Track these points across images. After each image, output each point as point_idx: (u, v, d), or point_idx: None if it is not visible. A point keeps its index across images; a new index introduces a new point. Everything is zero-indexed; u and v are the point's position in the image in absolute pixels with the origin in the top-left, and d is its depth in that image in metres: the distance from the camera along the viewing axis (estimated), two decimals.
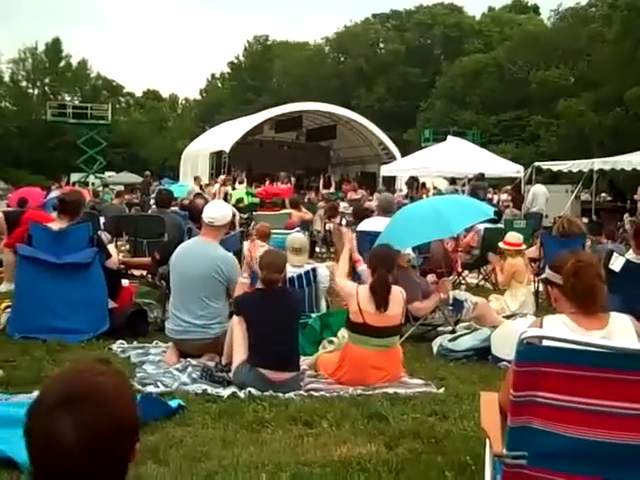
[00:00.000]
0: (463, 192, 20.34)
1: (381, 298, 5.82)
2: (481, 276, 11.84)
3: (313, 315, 7.04)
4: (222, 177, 24.20)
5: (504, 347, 6.20)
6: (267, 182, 24.44)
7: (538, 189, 19.20)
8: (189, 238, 7.22)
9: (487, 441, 3.11)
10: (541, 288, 9.76)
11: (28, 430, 1.59)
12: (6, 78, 64.04)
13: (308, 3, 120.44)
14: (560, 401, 2.73)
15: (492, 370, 6.21)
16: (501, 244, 9.78)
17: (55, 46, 64.99)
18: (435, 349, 6.96)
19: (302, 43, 73.42)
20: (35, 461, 1.58)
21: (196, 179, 25.08)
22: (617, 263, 6.72)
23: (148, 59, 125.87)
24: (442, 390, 5.64)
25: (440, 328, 7.77)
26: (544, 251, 9.96)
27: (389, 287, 5.89)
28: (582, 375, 2.71)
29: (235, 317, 5.70)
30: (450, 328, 7.54)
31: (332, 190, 21.02)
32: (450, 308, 7.75)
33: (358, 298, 5.82)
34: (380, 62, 62.47)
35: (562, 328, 3.12)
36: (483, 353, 6.70)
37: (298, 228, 12.28)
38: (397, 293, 5.97)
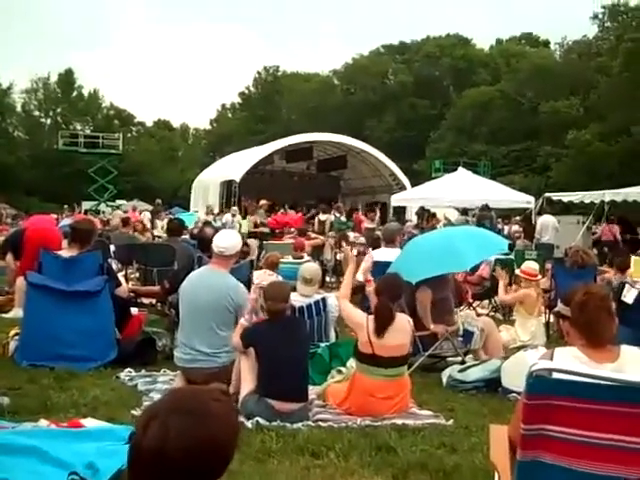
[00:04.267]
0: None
1: (381, 323, 5.80)
2: (492, 307, 11.80)
3: (322, 345, 7.01)
4: (234, 208, 24.30)
5: (514, 379, 6.15)
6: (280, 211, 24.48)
7: (547, 220, 19.17)
8: (199, 267, 7.21)
9: (496, 475, 3.06)
10: (552, 319, 9.71)
11: (134, 429, 1.73)
12: (18, 108, 64.75)
13: (316, 34, 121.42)
14: (570, 435, 2.70)
15: (502, 402, 6.15)
16: (518, 272, 9.75)
17: (67, 76, 65.81)
18: (444, 380, 6.91)
19: (311, 74, 74.02)
20: (130, 458, 1.70)
21: (208, 208, 25.19)
22: (630, 295, 6.68)
23: (159, 89, 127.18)
24: (451, 422, 5.59)
25: (450, 359, 7.71)
26: (555, 282, 9.92)
27: (390, 313, 5.88)
28: (593, 408, 2.67)
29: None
30: (460, 359, 7.48)
31: (338, 217, 20.94)
32: (460, 339, 7.70)
33: (368, 329, 5.79)
34: (389, 93, 62.90)
35: (573, 361, 3.10)
36: (493, 384, 6.65)
37: (309, 257, 12.28)
38: (404, 321, 5.95)
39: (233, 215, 22.87)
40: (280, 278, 9.06)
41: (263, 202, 21.80)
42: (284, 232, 18.39)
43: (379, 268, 7.93)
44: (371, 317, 5.94)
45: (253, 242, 16.71)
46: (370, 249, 11.14)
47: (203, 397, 1.77)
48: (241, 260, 7.97)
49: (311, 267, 8.36)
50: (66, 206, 33.83)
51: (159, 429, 1.66)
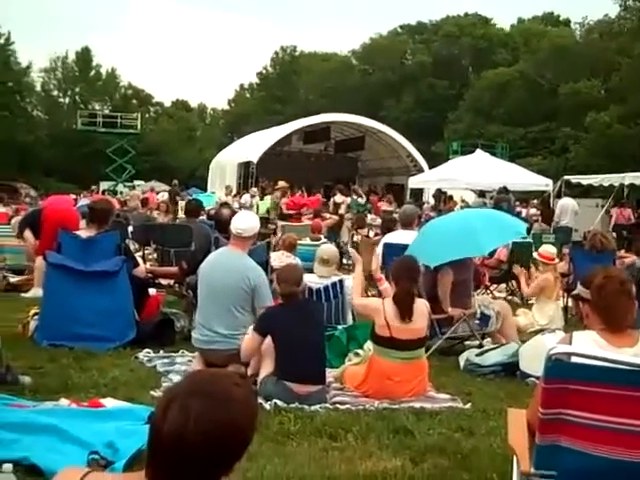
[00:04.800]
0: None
1: (405, 308, 5.79)
2: (509, 290, 11.77)
3: (340, 327, 7.03)
4: (254, 189, 24.32)
5: (532, 363, 6.14)
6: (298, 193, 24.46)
7: (566, 203, 19.05)
8: (216, 248, 7.23)
9: (514, 459, 3.07)
10: (570, 303, 9.67)
11: (154, 410, 1.76)
12: (38, 87, 64.83)
13: (334, 14, 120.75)
14: (589, 419, 2.70)
15: (520, 386, 6.15)
16: (535, 255, 9.71)
17: (85, 55, 65.73)
18: (462, 364, 6.91)
19: (330, 54, 73.61)
20: (150, 441, 1.71)
21: (227, 188, 25.22)
22: None
23: (177, 69, 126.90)
24: (469, 405, 5.59)
25: (467, 342, 7.71)
26: (574, 266, 9.87)
27: (413, 297, 5.88)
28: (611, 393, 2.68)
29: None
30: (477, 342, 7.48)
31: (362, 200, 20.88)
32: (477, 322, 7.69)
33: (385, 312, 5.80)
34: (407, 74, 62.45)
35: (592, 345, 3.10)
36: (511, 368, 6.64)
37: (325, 239, 12.28)
38: (421, 305, 5.95)
39: (252, 196, 22.95)
40: (297, 260, 9.10)
41: (281, 183, 21.76)
42: (302, 214, 18.38)
43: (394, 250, 7.90)
44: (387, 301, 5.94)
45: (280, 223, 16.80)
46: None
47: (224, 381, 1.78)
48: (259, 242, 7.97)
49: (328, 248, 8.38)
50: (93, 187, 34.09)
51: (180, 412, 1.68)
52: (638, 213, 21.09)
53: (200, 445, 1.66)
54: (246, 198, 23.02)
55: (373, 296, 8.52)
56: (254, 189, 24.39)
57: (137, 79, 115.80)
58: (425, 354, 6.16)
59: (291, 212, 18.95)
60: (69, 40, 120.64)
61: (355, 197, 20.82)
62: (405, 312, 5.78)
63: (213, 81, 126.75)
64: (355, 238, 15.51)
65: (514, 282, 11.50)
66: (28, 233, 10.09)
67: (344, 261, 14.89)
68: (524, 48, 57.51)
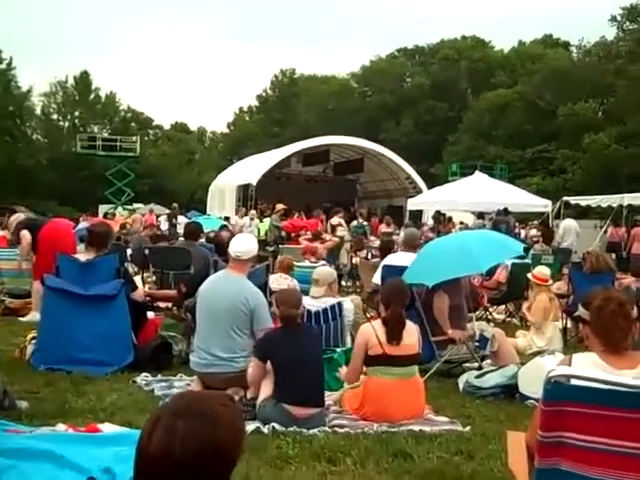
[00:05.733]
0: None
1: (395, 332, 5.80)
2: (508, 312, 11.74)
3: (338, 350, 7.00)
4: (252, 212, 24.33)
5: (532, 385, 6.11)
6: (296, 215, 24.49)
7: (569, 224, 19.04)
8: (215, 271, 7.23)
9: None
10: (570, 324, 9.65)
11: (140, 434, 1.76)
12: (38, 111, 65.12)
13: (333, 37, 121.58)
14: (589, 442, 2.68)
15: (519, 408, 6.12)
16: (529, 276, 9.72)
17: (84, 79, 66.03)
18: (461, 386, 6.88)
19: (329, 77, 74.02)
20: (136, 459, 1.73)
21: (238, 212, 25.20)
22: None
23: (177, 92, 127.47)
24: (468, 428, 5.56)
25: (466, 364, 7.68)
26: (573, 287, 9.86)
27: (403, 322, 5.87)
28: (612, 416, 2.65)
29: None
30: (477, 364, 7.45)
31: (360, 222, 20.89)
32: (477, 344, 7.66)
33: (376, 332, 5.79)
34: (406, 96, 62.80)
35: (591, 367, 3.08)
36: (510, 390, 6.61)
37: (323, 262, 12.25)
38: (412, 328, 5.95)
39: (252, 219, 22.95)
40: (295, 282, 9.09)
41: (279, 206, 21.80)
42: (300, 236, 18.38)
43: (394, 272, 7.89)
44: (376, 323, 5.95)
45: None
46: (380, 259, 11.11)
47: (210, 401, 1.78)
48: (257, 264, 7.96)
49: (321, 269, 8.39)
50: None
51: (165, 433, 1.68)
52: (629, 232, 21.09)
53: (187, 465, 1.65)
54: (245, 220, 23.04)
55: (372, 317, 8.50)
56: (252, 211, 24.42)
57: (136, 102, 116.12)
58: (424, 376, 6.13)
59: (291, 234, 18.96)
60: (69, 64, 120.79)
61: (361, 220, 20.78)
62: (395, 335, 5.78)
63: (213, 104, 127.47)
64: (354, 260, 15.51)
65: (513, 304, 11.49)
66: (25, 232, 10.01)
67: (343, 283, 14.88)
68: (522, 70, 57.85)
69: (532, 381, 6.13)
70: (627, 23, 46.76)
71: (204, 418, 1.71)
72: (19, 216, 11.74)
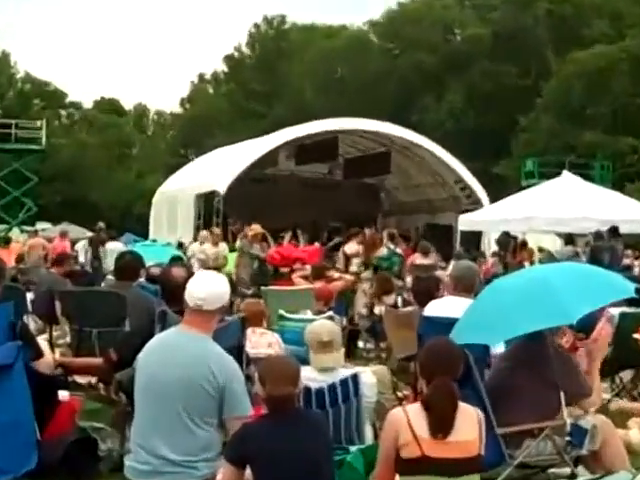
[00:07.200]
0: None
1: (441, 418, 5.70)
2: (615, 387, 11.71)
3: (353, 448, 7.01)
4: (204, 233, 24.13)
5: None
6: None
7: None
8: (163, 328, 7.24)
9: None
10: None
11: None
12: None
13: None
14: None
15: None
16: (636, 335, 9.72)
17: None
18: None
19: (335, 27, 74.31)
20: None
21: (197, 235, 25.16)
22: None
23: (102, 55, 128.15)
24: None
25: (552, 470, 7.66)
26: None
27: (455, 405, 5.81)
28: None
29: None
30: (568, 470, 7.43)
31: (391, 248, 20.37)
32: (568, 439, 7.64)
33: (410, 422, 5.73)
34: (454, 57, 63.05)
35: None
36: None
37: (329, 311, 12.25)
38: (469, 411, 5.88)
39: (201, 243, 22.80)
40: (277, 337, 9.13)
41: (254, 227, 21.23)
42: (294, 271, 18.40)
43: (438, 328, 7.88)
44: (411, 407, 5.89)
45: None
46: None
47: None
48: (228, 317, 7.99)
49: (326, 323, 8.37)
50: None
51: None
52: None
53: None
54: (193, 248, 22.98)
55: (404, 398, 8.50)
56: (204, 233, 23.99)
57: (41, 69, 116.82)
58: None
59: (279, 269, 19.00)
60: None
61: (392, 246, 20.25)
62: (442, 426, 5.70)
63: (157, 72, 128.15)
64: (377, 310, 15.42)
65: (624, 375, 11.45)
66: None
67: (360, 344, 14.83)
68: (631, 18, 58.03)
69: None
70: None
71: None
72: None
